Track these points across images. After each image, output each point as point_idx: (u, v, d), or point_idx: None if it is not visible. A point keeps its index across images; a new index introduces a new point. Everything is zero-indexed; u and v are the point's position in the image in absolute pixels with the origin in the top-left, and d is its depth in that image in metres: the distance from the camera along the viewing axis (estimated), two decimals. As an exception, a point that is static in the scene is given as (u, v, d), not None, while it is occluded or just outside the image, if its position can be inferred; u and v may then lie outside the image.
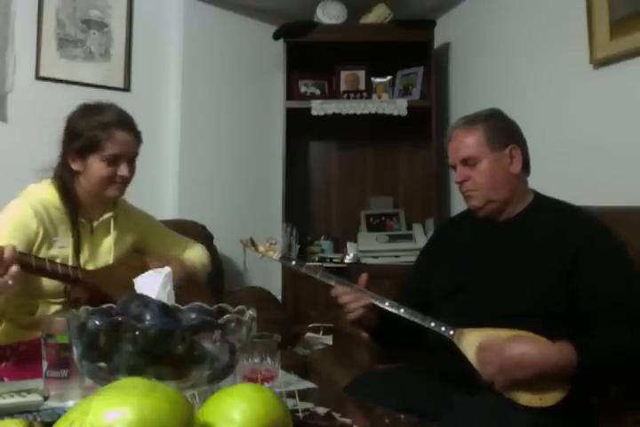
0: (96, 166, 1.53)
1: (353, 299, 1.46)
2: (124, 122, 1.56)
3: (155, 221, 1.85)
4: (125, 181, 1.58)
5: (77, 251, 1.54)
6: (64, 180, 1.56)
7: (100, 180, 1.54)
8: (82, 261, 1.55)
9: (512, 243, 1.48)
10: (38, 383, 1.12)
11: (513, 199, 1.50)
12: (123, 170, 1.55)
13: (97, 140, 1.51)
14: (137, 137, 1.59)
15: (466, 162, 1.49)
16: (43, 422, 0.91)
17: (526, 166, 1.53)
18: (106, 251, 1.62)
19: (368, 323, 1.52)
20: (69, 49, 2.67)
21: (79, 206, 1.57)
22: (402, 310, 1.42)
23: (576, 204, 1.52)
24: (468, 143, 1.49)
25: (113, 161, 1.53)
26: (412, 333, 1.46)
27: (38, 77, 2.58)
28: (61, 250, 1.52)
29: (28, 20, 2.55)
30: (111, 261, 1.62)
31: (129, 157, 1.56)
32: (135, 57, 2.84)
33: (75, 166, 1.55)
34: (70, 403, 1.04)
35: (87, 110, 1.57)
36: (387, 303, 1.44)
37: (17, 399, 1.01)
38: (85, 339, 0.87)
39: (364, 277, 1.49)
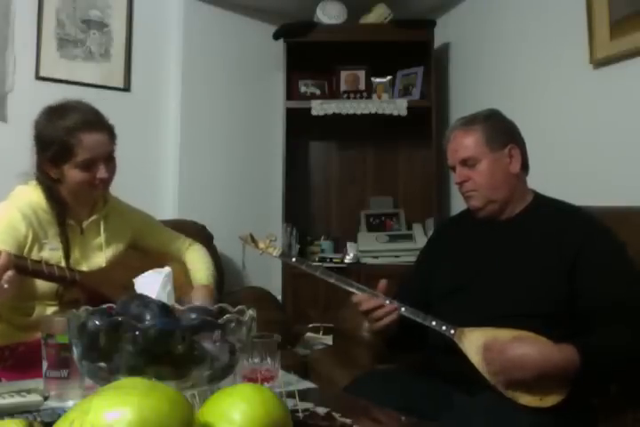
0: (72, 174, 1.48)
1: (377, 306, 1.43)
2: (91, 123, 1.49)
3: (149, 219, 1.82)
4: (106, 182, 1.54)
5: (67, 253, 1.52)
6: (46, 184, 1.52)
7: (80, 186, 1.50)
8: (72, 262, 1.53)
9: (512, 243, 1.48)
10: (38, 383, 1.12)
11: (513, 199, 1.50)
12: (101, 172, 1.49)
13: (67, 148, 1.45)
14: (109, 135, 1.52)
15: (465, 163, 1.50)
16: (43, 422, 0.91)
17: (525, 166, 1.53)
18: (97, 251, 1.61)
19: (390, 331, 1.49)
20: (69, 49, 2.67)
21: (66, 208, 1.54)
22: (402, 309, 1.42)
23: (576, 204, 1.52)
24: (466, 144, 1.49)
25: (88, 166, 1.48)
26: (419, 335, 1.46)
27: (38, 77, 2.58)
28: (52, 252, 1.50)
29: (28, 20, 2.55)
30: (104, 261, 1.60)
31: (104, 157, 1.50)
32: (135, 57, 2.84)
33: (52, 175, 1.51)
34: (70, 403, 1.04)
35: (51, 115, 1.50)
36: (387, 301, 1.43)
37: (17, 399, 1.01)
38: (85, 339, 0.87)
39: (383, 282, 1.47)
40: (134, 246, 1.71)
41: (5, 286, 1.21)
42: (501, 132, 1.51)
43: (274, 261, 2.71)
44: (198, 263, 1.80)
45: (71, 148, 1.45)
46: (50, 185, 1.53)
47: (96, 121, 1.51)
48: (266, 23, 3.15)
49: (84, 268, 1.56)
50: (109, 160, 1.53)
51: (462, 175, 1.50)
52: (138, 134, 2.75)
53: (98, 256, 1.60)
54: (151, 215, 1.85)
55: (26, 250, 1.46)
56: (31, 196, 1.52)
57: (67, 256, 1.52)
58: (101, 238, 1.62)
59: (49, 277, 1.43)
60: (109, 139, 1.52)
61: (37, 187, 1.54)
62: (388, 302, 1.43)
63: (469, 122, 1.52)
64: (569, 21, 2.26)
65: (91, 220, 1.60)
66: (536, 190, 1.56)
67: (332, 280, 1.49)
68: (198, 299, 1.65)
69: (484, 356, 1.30)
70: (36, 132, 1.52)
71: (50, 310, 1.51)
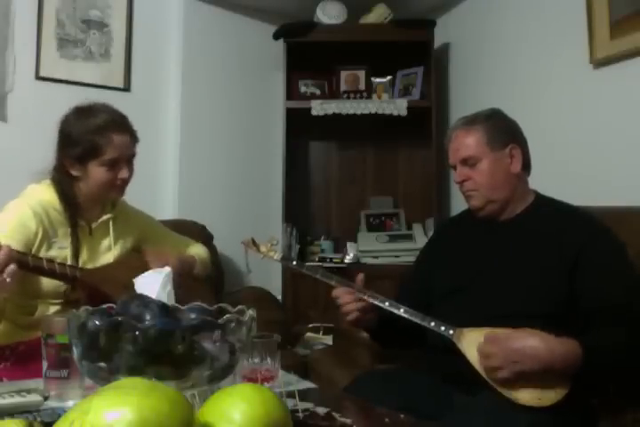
0: (96, 171, 1.52)
1: (351, 300, 1.46)
2: (121, 124, 1.55)
3: (154, 222, 1.84)
4: (126, 183, 1.58)
5: (77, 254, 1.54)
6: (62, 184, 1.55)
7: (101, 184, 1.53)
8: (81, 262, 1.55)
9: (512, 243, 1.48)
10: (38, 383, 1.12)
11: (513, 199, 1.50)
12: (123, 173, 1.54)
13: (96, 146, 1.49)
14: (133, 137, 1.58)
15: (466, 162, 1.50)
16: (43, 422, 0.91)
17: (527, 166, 1.53)
18: (105, 252, 1.62)
19: (367, 323, 1.52)
20: (69, 49, 2.67)
21: (78, 209, 1.56)
22: (402, 310, 1.42)
23: (576, 204, 1.52)
24: (467, 143, 1.49)
25: (112, 165, 1.52)
26: (411, 332, 1.46)
27: (38, 77, 2.58)
28: (61, 251, 1.52)
29: (28, 20, 2.55)
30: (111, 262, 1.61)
31: (127, 158, 1.56)
32: (135, 57, 2.84)
33: (74, 172, 1.53)
34: (70, 403, 1.04)
35: (81, 113, 1.54)
36: (387, 303, 1.44)
37: (17, 399, 1.01)
38: (85, 339, 0.87)
39: (360, 276, 1.49)
40: (138, 249, 1.72)
41: (8, 279, 1.22)
42: (503, 131, 1.50)
43: (274, 262, 2.71)
44: (194, 248, 1.84)
45: (101, 146, 1.50)
46: (65, 184, 1.55)
47: (124, 123, 1.57)
48: (266, 23, 3.15)
49: (91, 267, 1.57)
50: (130, 163, 1.57)
51: (463, 174, 1.51)
52: (138, 134, 2.76)
53: (105, 257, 1.62)
54: (154, 218, 1.85)
55: (34, 248, 1.47)
56: (43, 194, 1.54)
57: (76, 257, 1.53)
58: (110, 240, 1.63)
59: (50, 274, 1.44)
60: (134, 141, 1.58)
61: (50, 186, 1.55)
62: (387, 303, 1.43)
63: (471, 121, 1.52)
64: (569, 21, 2.26)
65: (100, 221, 1.62)
66: (537, 191, 1.56)
67: (332, 283, 1.50)
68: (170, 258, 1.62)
69: (485, 349, 1.27)
70: (63, 128, 1.55)
71: (52, 309, 1.52)
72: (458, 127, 1.53)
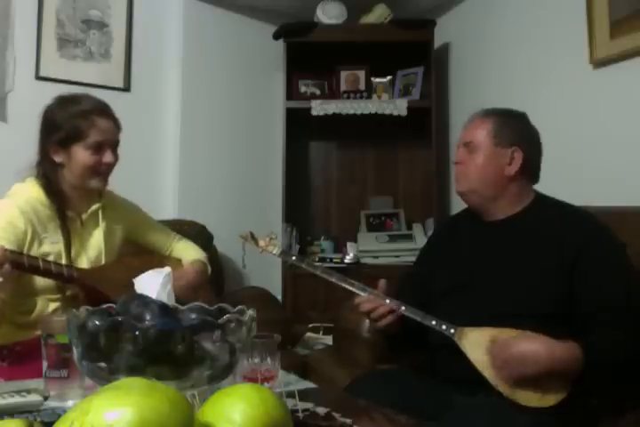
0: (80, 155, 1.52)
1: (376, 306, 1.45)
2: (103, 110, 1.57)
3: (141, 211, 1.84)
4: (110, 169, 1.59)
5: (69, 247, 1.54)
6: (47, 176, 1.55)
7: (85, 169, 1.53)
8: (73, 254, 1.55)
9: (511, 242, 1.48)
10: (38, 383, 1.12)
11: (500, 199, 1.49)
12: (107, 157, 1.55)
13: (80, 129, 1.51)
14: (117, 124, 1.59)
15: (467, 146, 1.51)
16: (43, 422, 0.90)
17: (531, 174, 1.52)
18: (96, 243, 1.62)
19: (393, 330, 1.51)
20: (69, 49, 2.67)
21: (66, 201, 1.57)
22: (403, 308, 1.42)
23: (576, 204, 1.52)
24: (476, 130, 1.51)
25: (97, 149, 1.53)
26: (420, 335, 1.47)
27: (38, 77, 2.57)
28: (53, 246, 1.52)
29: (28, 20, 2.55)
30: (103, 253, 1.62)
31: (111, 144, 1.57)
32: (135, 57, 2.84)
33: (57, 158, 1.53)
34: (70, 403, 1.04)
35: (64, 101, 1.56)
36: (387, 300, 1.44)
37: (17, 399, 1.01)
38: (85, 339, 0.87)
39: (382, 282, 1.48)
40: (127, 238, 1.73)
41: (0, 279, 1.22)
42: (512, 131, 1.50)
43: (274, 261, 2.71)
44: (188, 248, 1.84)
45: (84, 129, 1.51)
46: (50, 177, 1.55)
47: (107, 110, 1.58)
48: (266, 23, 3.14)
49: (84, 258, 1.58)
50: (114, 149, 1.58)
51: (460, 156, 1.53)
52: (138, 134, 2.75)
53: (97, 248, 1.62)
54: (142, 209, 1.85)
55: (26, 246, 1.47)
56: (30, 192, 1.54)
57: (68, 249, 1.53)
58: (100, 229, 1.63)
59: (46, 274, 1.44)
60: (117, 128, 1.59)
61: (35, 183, 1.55)
62: (387, 301, 1.43)
63: (489, 112, 1.54)
64: (569, 21, 2.26)
65: (90, 211, 1.62)
66: (537, 191, 1.55)
67: (332, 279, 1.49)
68: (189, 273, 1.71)
69: (490, 349, 1.29)
70: (46, 116, 1.56)
71: (52, 306, 1.52)
72: (477, 115, 1.55)
